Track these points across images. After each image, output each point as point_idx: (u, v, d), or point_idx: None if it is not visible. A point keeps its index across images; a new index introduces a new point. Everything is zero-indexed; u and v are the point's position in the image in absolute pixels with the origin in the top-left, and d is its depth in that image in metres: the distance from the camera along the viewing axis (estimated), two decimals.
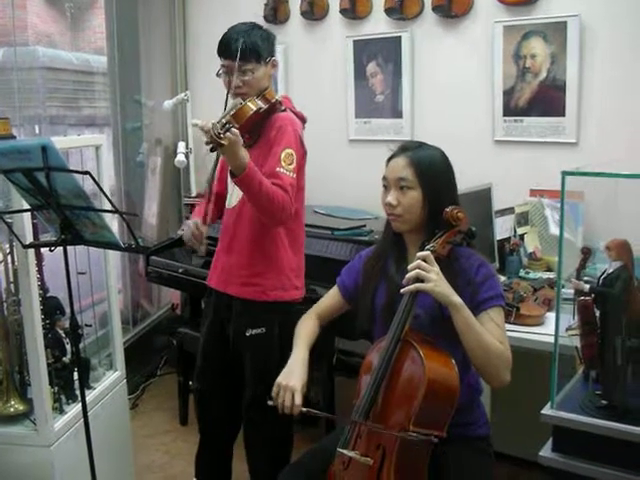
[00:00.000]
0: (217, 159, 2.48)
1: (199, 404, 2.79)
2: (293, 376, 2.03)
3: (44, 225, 2.28)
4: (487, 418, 2.13)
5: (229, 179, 2.37)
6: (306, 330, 2.20)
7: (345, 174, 3.86)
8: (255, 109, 2.32)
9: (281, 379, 2.03)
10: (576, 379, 1.94)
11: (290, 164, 2.34)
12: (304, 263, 2.62)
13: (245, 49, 2.38)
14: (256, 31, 2.45)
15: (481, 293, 1.93)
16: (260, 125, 2.41)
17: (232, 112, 2.25)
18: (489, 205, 3.06)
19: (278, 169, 2.32)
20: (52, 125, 3.85)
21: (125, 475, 2.89)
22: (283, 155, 2.34)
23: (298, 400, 1.98)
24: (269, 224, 2.41)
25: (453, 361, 1.86)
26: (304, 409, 1.97)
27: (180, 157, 3.99)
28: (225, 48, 2.42)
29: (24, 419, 2.44)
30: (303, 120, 2.55)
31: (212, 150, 2.12)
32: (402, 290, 1.88)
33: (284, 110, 2.47)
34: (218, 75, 2.46)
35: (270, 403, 2.01)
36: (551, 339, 2.32)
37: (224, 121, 2.12)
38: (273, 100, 2.41)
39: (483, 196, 3.04)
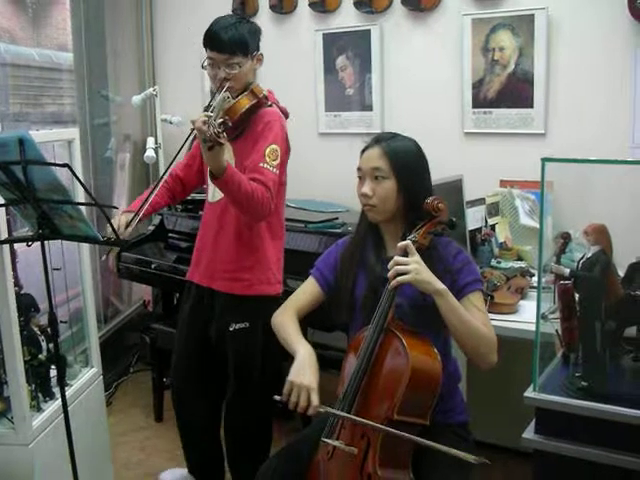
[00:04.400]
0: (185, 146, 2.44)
1: (177, 402, 2.77)
2: (307, 373, 1.91)
3: (22, 220, 2.25)
4: (465, 405, 2.16)
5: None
6: (294, 325, 2.09)
7: (315, 167, 3.85)
8: (248, 106, 2.34)
9: (293, 377, 1.91)
10: (555, 362, 1.97)
11: (274, 160, 2.34)
12: (283, 257, 2.62)
13: (233, 42, 2.36)
14: (244, 24, 2.44)
15: (460, 279, 1.96)
16: (246, 120, 2.41)
17: (226, 108, 2.25)
18: (460, 196, 3.08)
19: (261, 164, 2.32)
20: (16, 122, 3.78)
21: (103, 472, 2.87)
22: (268, 150, 2.34)
23: (315, 400, 1.87)
24: (249, 221, 2.40)
25: (436, 350, 1.88)
26: (321, 409, 1.87)
27: (149, 153, 3.96)
28: (213, 40, 2.40)
29: (1, 418, 2.40)
30: (286, 115, 2.55)
31: (210, 149, 2.09)
32: (387, 288, 1.89)
33: (270, 105, 2.47)
34: (203, 67, 2.44)
35: (277, 398, 1.91)
36: (525, 326, 2.39)
37: (220, 120, 2.10)
38: (261, 95, 2.41)
39: (454, 187, 3.06)
